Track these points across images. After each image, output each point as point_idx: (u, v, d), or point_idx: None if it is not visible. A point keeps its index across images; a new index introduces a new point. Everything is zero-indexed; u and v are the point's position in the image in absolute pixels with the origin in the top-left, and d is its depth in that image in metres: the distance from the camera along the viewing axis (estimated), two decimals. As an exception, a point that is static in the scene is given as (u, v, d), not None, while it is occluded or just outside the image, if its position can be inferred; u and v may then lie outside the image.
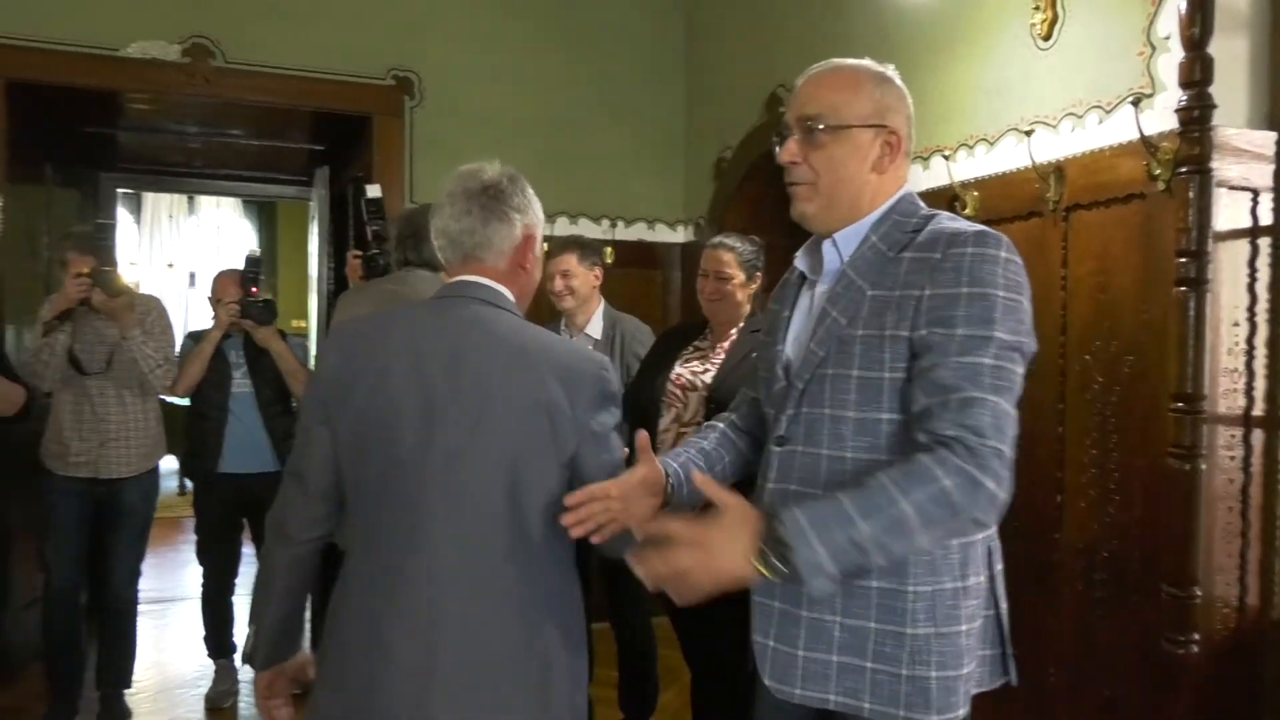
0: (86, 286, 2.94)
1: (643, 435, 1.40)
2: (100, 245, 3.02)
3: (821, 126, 1.31)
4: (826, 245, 1.37)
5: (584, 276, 2.90)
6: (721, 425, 1.60)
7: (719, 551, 1.13)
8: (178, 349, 3.31)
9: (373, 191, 2.73)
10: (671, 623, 2.60)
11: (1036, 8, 2.48)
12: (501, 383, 1.36)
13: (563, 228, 4.09)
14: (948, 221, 1.32)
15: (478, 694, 1.32)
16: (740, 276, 2.50)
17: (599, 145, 4.24)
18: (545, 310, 2.97)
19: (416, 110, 3.98)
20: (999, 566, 1.36)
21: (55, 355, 2.98)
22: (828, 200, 1.34)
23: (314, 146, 5.06)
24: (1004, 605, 1.37)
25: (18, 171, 3.61)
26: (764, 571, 1.13)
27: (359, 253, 2.71)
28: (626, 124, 4.31)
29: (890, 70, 1.37)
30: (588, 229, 4.15)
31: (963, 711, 1.30)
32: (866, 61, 1.36)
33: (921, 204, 1.37)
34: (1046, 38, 2.47)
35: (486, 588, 1.34)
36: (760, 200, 3.81)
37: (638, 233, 4.34)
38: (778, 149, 1.36)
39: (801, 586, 1.14)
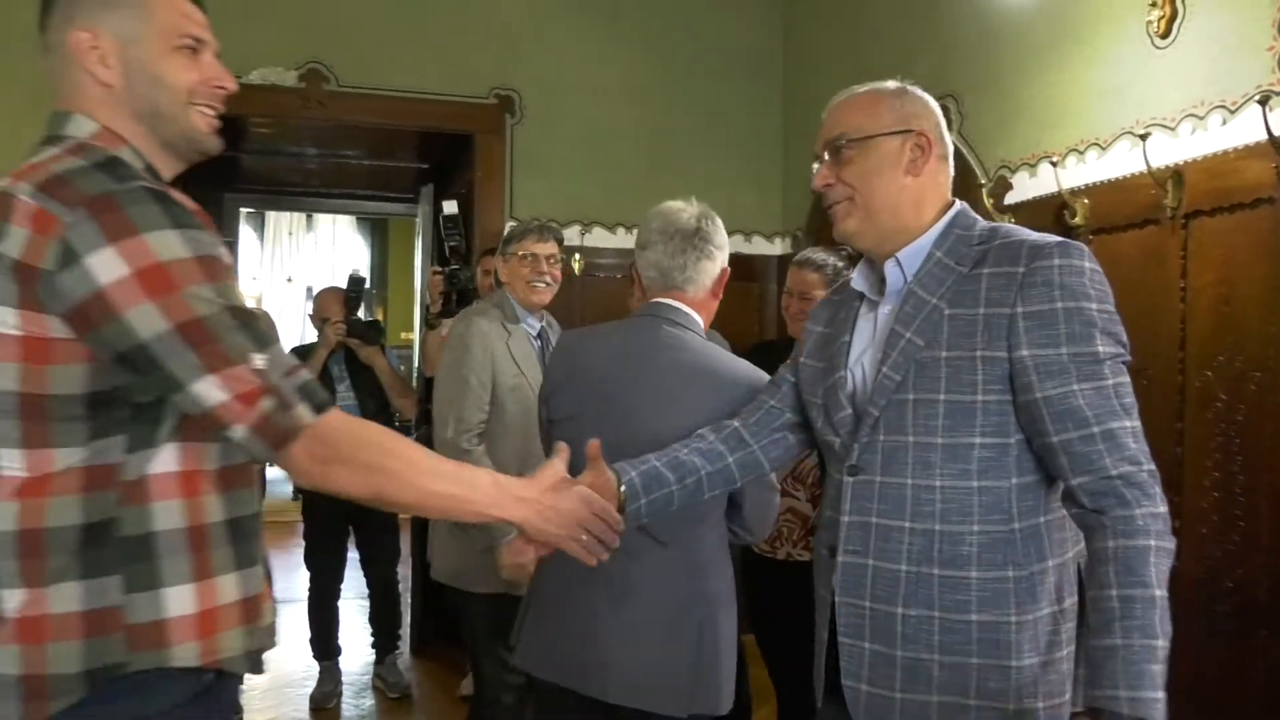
0: None
1: (593, 444, 1.41)
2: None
3: (845, 142, 1.32)
4: (889, 265, 1.33)
5: None
6: (712, 436, 1.49)
7: None
8: None
9: (448, 208, 2.81)
10: (758, 643, 2.55)
11: (1153, 4, 2.35)
12: (684, 389, 1.63)
13: (659, 241, 4.10)
14: (1017, 233, 1.28)
15: (646, 642, 1.60)
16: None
17: (696, 157, 4.24)
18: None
19: (517, 127, 4.07)
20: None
21: None
22: (866, 211, 1.32)
23: (420, 165, 5.23)
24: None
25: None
26: None
27: (439, 269, 2.77)
28: (724, 135, 4.30)
29: (909, 84, 1.38)
30: (684, 242, 4.15)
31: None
32: (884, 82, 1.38)
33: (978, 217, 1.35)
34: (1164, 35, 2.34)
35: (661, 560, 1.60)
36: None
37: (734, 245, 4.27)
38: (813, 181, 1.37)
39: None
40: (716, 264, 1.74)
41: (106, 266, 0.94)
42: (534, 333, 2.56)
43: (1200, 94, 2.23)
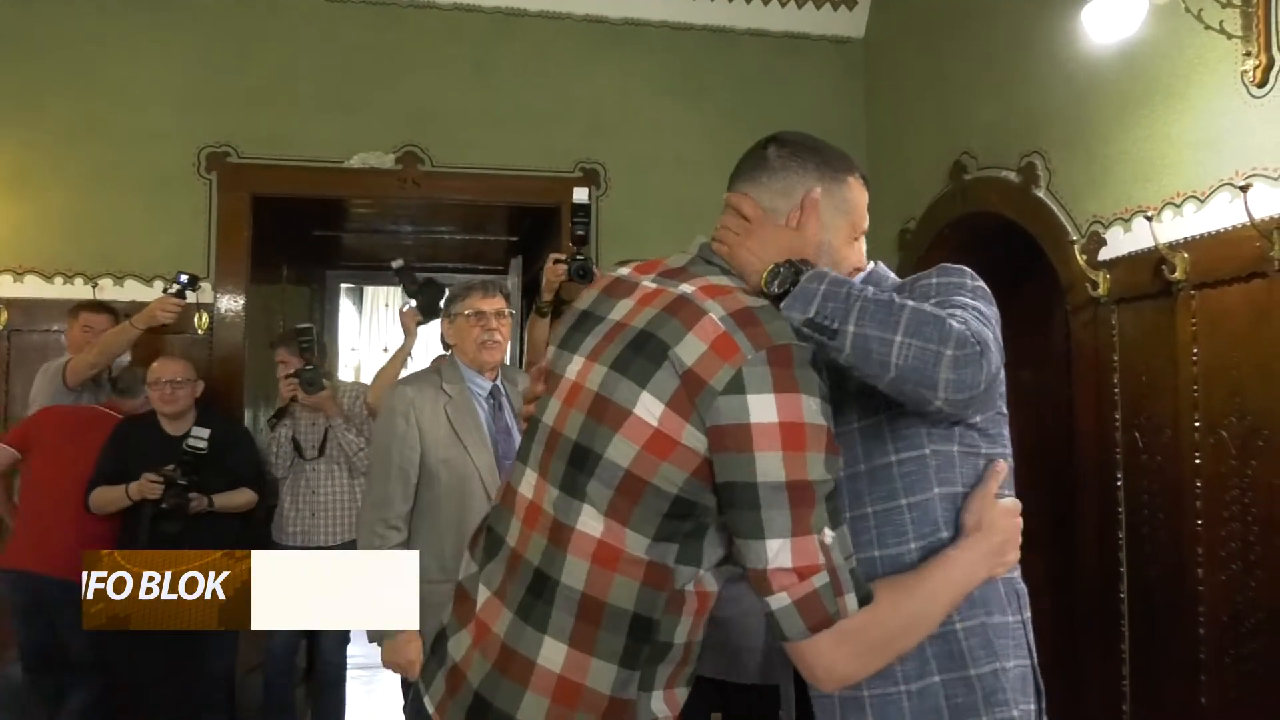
0: (294, 386, 3.35)
1: None
2: (301, 345, 3.36)
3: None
4: None
5: None
6: None
7: (762, 237, 1.19)
8: None
9: (579, 197, 2.81)
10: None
11: (1248, 54, 2.30)
12: None
13: (743, 305, 4.13)
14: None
15: None
16: None
17: (778, 223, 4.26)
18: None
19: (602, 199, 4.18)
20: (1027, 614, 1.27)
21: (281, 447, 3.42)
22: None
23: (510, 238, 5.41)
24: (1035, 659, 1.27)
25: (259, 274, 4.09)
26: (764, 282, 1.15)
27: (560, 257, 2.76)
28: (806, 200, 4.32)
29: None
30: (768, 306, 4.15)
31: None
32: None
33: (889, 273, 1.39)
34: (1261, 84, 2.28)
35: None
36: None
37: (820, 308, 4.29)
38: None
39: (777, 304, 1.12)
40: None
41: (763, 409, 1.03)
42: (483, 394, 2.46)
43: (1303, 142, 2.16)
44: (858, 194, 1.27)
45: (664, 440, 1.05)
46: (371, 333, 10.14)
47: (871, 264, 1.44)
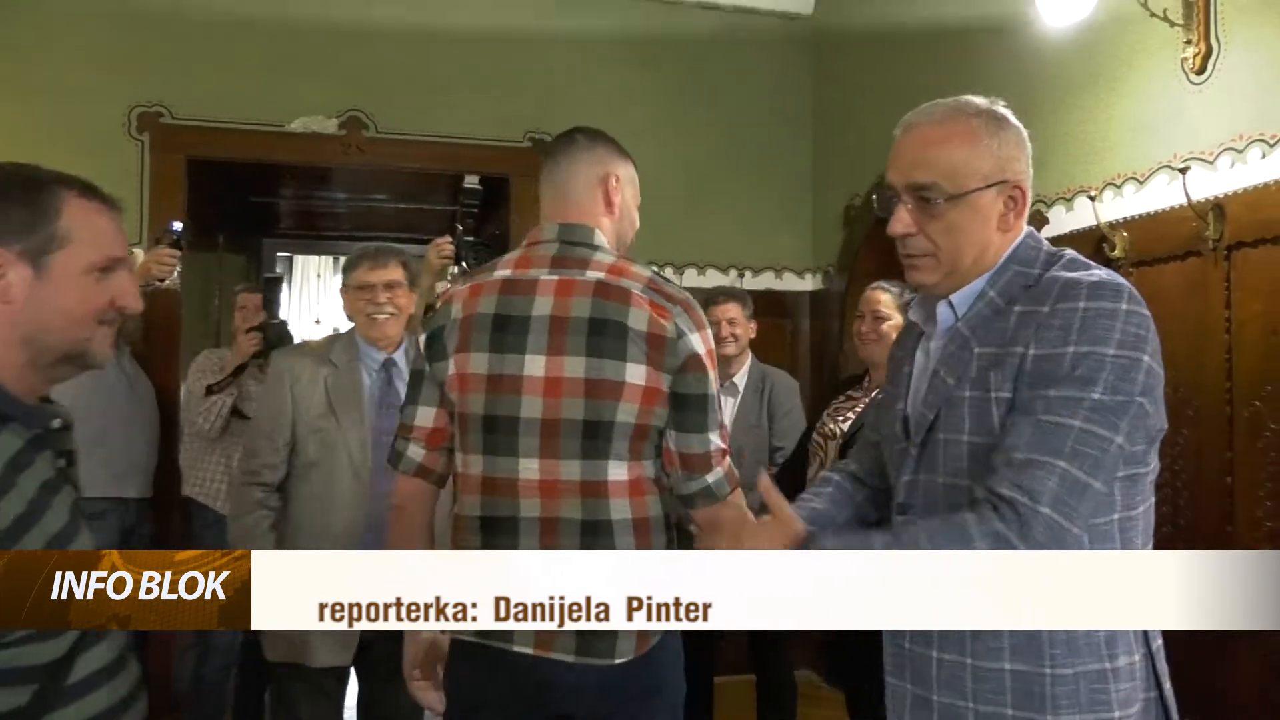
0: (258, 340, 3.05)
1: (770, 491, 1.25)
2: (267, 296, 3.10)
3: (940, 200, 1.18)
4: (941, 305, 1.25)
5: (745, 327, 2.98)
6: (837, 478, 1.47)
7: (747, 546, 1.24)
8: None
9: (469, 182, 2.77)
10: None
11: (1188, 41, 2.39)
12: None
13: (691, 279, 4.15)
14: (1068, 270, 1.16)
15: None
16: (897, 318, 2.47)
17: (727, 195, 4.30)
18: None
19: (551, 170, 4.14)
20: (1158, 643, 1.19)
21: (218, 417, 3.08)
22: (951, 268, 1.22)
23: (454, 208, 5.32)
24: (1168, 686, 1.19)
25: (195, 241, 3.95)
26: None
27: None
28: (754, 173, 4.36)
29: (1001, 106, 1.22)
30: (716, 279, 4.19)
31: None
32: (973, 100, 1.21)
33: (1044, 244, 1.22)
34: (1199, 71, 2.38)
35: None
36: (893, 247, 3.75)
37: (765, 282, 4.35)
38: (889, 218, 1.23)
39: None
40: None
41: (700, 342, 1.47)
42: (376, 365, 2.29)
43: (1239, 128, 2.26)
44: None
45: (652, 392, 1.45)
46: (303, 304, 9.88)
47: (1022, 235, 1.22)
